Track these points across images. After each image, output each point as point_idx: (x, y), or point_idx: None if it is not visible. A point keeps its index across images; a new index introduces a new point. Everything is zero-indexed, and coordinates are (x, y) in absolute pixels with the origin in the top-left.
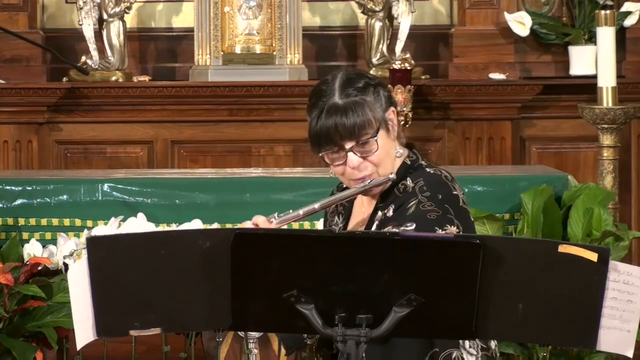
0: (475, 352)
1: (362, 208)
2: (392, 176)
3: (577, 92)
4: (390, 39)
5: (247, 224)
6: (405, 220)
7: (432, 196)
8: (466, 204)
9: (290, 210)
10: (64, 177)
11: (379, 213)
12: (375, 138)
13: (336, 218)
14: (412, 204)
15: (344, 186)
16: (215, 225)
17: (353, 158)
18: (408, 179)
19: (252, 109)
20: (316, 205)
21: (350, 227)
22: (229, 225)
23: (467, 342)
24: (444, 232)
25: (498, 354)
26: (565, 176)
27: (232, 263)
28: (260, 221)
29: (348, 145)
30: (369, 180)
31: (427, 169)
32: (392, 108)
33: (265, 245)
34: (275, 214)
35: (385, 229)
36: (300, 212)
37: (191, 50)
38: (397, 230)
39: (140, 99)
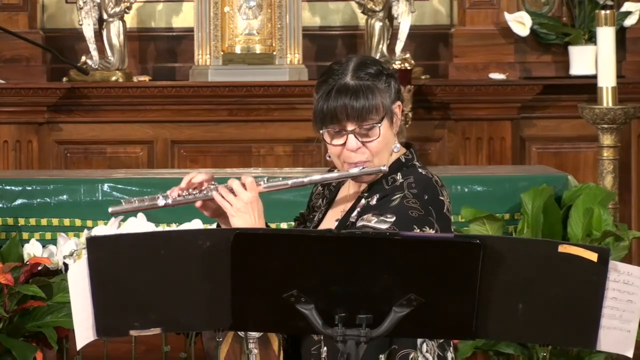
0: (430, 358)
1: (347, 195)
2: (384, 168)
3: (577, 92)
4: (390, 39)
5: (235, 182)
6: (387, 211)
7: (419, 195)
8: (450, 212)
9: (280, 178)
10: (64, 177)
11: (363, 201)
12: (379, 125)
13: (320, 201)
14: (397, 197)
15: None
16: (215, 226)
17: (353, 141)
18: (399, 174)
19: (252, 109)
20: (305, 179)
21: (331, 211)
22: None
23: (424, 346)
24: (421, 232)
25: None
26: (565, 176)
27: (232, 263)
28: (248, 182)
29: (351, 127)
30: (361, 167)
31: (420, 170)
32: (399, 103)
33: (265, 245)
34: (265, 178)
35: (365, 216)
36: (289, 182)
37: (191, 50)
38: (385, 217)
39: (140, 99)
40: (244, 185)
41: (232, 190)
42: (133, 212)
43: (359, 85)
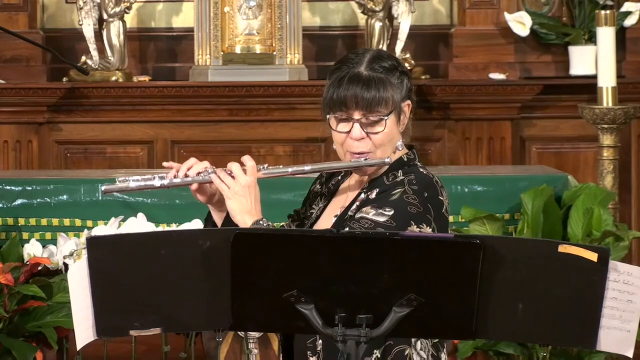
0: (424, 356)
1: (347, 191)
2: (388, 160)
3: (577, 92)
4: (390, 39)
5: (234, 165)
6: (386, 205)
7: (419, 192)
8: (448, 214)
9: (281, 166)
10: (64, 177)
11: (362, 195)
12: (386, 119)
13: (318, 199)
14: (397, 191)
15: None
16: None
17: (357, 130)
18: (400, 171)
19: (252, 109)
20: (306, 167)
21: (329, 208)
22: None
23: (418, 344)
24: (419, 229)
25: None
26: (565, 176)
27: (232, 263)
28: (250, 166)
29: (357, 115)
30: (364, 158)
31: (421, 169)
32: (409, 101)
33: (265, 245)
34: (266, 165)
35: (363, 209)
36: (289, 169)
37: (191, 50)
38: (383, 210)
39: (140, 99)
40: (244, 169)
41: (231, 174)
42: (127, 192)
43: (372, 76)
